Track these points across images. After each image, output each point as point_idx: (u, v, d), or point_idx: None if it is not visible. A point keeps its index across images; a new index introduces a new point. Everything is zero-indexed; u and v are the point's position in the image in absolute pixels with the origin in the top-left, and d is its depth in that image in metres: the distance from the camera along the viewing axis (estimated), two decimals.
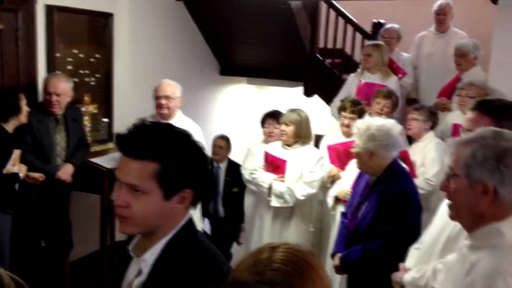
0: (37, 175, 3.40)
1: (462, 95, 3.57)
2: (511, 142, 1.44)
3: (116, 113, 4.65)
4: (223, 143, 4.51)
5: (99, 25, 4.42)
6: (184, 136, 1.33)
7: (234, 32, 5.47)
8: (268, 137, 4.08)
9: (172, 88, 3.77)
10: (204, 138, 3.87)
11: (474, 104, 2.06)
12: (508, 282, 1.35)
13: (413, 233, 2.49)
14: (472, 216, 1.48)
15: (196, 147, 1.33)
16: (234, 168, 4.47)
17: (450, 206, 1.57)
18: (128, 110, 4.56)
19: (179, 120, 3.78)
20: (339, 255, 2.86)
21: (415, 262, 2.26)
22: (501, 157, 1.40)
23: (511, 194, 1.41)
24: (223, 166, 4.50)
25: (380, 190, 2.75)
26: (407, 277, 2.19)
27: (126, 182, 1.28)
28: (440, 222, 2.18)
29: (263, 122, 4.19)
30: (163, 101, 3.71)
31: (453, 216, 1.58)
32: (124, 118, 4.51)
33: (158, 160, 1.26)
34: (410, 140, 4.41)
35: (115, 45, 4.56)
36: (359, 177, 3.01)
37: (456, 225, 2.04)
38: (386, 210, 2.68)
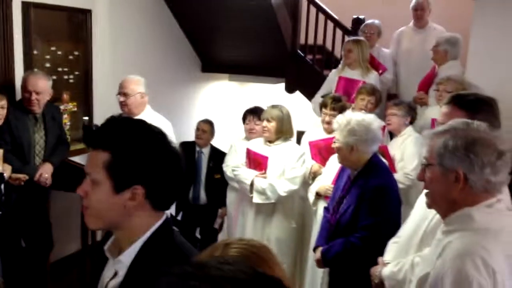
0: (21, 175, 3.35)
1: (440, 89, 3.61)
2: (481, 132, 1.51)
3: (96, 111, 4.60)
4: (206, 127, 4.47)
5: (77, 22, 4.36)
6: (145, 132, 1.30)
7: (216, 29, 5.45)
8: (249, 134, 4.08)
9: (132, 85, 3.59)
10: (175, 135, 3.77)
11: (449, 98, 2.10)
12: (477, 262, 1.39)
13: (393, 227, 2.52)
14: (446, 202, 1.54)
15: (158, 145, 1.29)
16: (217, 154, 4.46)
17: (427, 194, 1.64)
18: (108, 107, 4.50)
19: (146, 116, 3.57)
20: (320, 248, 2.90)
21: (393, 256, 2.29)
22: (470, 146, 1.47)
23: (480, 181, 1.47)
24: (206, 151, 4.48)
25: (360, 184, 2.78)
26: (385, 271, 2.22)
27: (85, 171, 1.31)
28: (418, 216, 2.22)
29: (244, 118, 4.19)
30: (122, 98, 3.58)
31: (429, 204, 1.65)
32: (104, 115, 4.36)
33: (109, 150, 1.26)
34: (392, 135, 4.46)
35: (94, 42, 4.51)
36: (341, 171, 3.05)
37: (433, 219, 2.08)
38: (365, 204, 2.72)
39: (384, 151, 3.63)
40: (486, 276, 1.39)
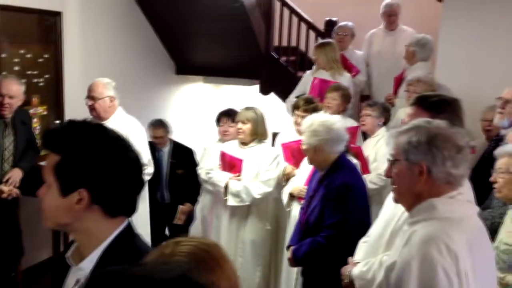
0: None
1: (410, 91, 3.67)
2: (441, 129, 1.61)
3: (67, 114, 4.53)
4: (159, 132, 4.39)
5: (47, 24, 4.30)
6: (98, 136, 1.29)
7: (189, 31, 5.43)
8: (223, 136, 4.08)
9: (100, 88, 3.51)
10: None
11: (414, 99, 2.15)
12: (440, 247, 1.48)
13: (360, 225, 2.55)
14: (412, 196, 1.63)
15: (110, 150, 1.28)
16: (178, 150, 4.44)
17: (394, 190, 1.72)
18: (80, 111, 4.40)
19: (116, 119, 3.54)
20: (292, 248, 2.93)
21: (363, 256, 2.32)
22: (432, 141, 1.57)
23: (442, 173, 1.56)
24: (166, 149, 4.45)
25: (325, 184, 2.83)
26: (355, 270, 2.25)
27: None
28: (386, 216, 2.25)
29: (218, 121, 4.18)
30: (89, 102, 3.52)
31: (396, 199, 1.73)
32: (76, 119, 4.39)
33: (59, 153, 1.27)
34: (366, 136, 4.52)
35: (65, 44, 4.45)
36: (314, 173, 3.08)
37: (401, 218, 2.12)
38: (329, 203, 2.77)
39: (358, 152, 3.67)
40: (449, 260, 1.46)
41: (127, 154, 1.31)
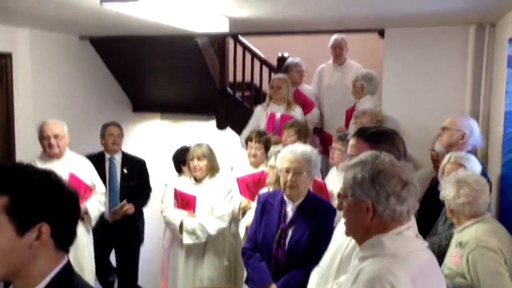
0: None
1: (357, 122, 3.81)
2: (386, 164, 1.61)
3: (19, 156, 4.44)
4: (117, 130, 4.34)
5: None
6: (37, 173, 1.32)
7: (144, 69, 5.48)
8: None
9: (60, 127, 3.72)
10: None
11: (355, 131, 2.22)
12: (385, 287, 1.48)
13: None
14: (361, 231, 1.63)
15: (50, 182, 1.32)
16: (129, 161, 4.37)
17: (345, 223, 1.73)
18: (32, 153, 4.37)
19: (70, 157, 3.79)
20: (274, 285, 2.85)
21: (315, 285, 2.35)
22: (375, 178, 1.57)
23: (386, 210, 1.57)
24: (117, 157, 4.36)
25: (312, 211, 2.86)
26: None
27: None
28: (335, 244, 2.30)
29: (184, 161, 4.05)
30: (53, 141, 3.66)
31: (347, 232, 1.74)
32: (28, 160, 4.31)
33: (7, 194, 1.26)
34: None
35: (16, 85, 4.40)
36: (263, 209, 3.04)
37: (348, 246, 2.17)
38: (321, 231, 2.79)
39: (322, 187, 3.71)
40: None
41: (65, 187, 1.35)
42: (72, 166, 3.76)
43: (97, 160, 4.22)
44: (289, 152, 2.92)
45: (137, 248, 4.58)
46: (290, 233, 2.87)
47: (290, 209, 2.92)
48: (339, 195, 1.74)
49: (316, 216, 2.83)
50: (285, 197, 2.95)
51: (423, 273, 1.58)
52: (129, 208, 4.23)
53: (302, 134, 4.12)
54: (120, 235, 4.33)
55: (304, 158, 2.86)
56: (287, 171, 2.87)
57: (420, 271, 1.56)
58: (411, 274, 1.53)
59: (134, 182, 4.31)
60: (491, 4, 3.27)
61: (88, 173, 3.87)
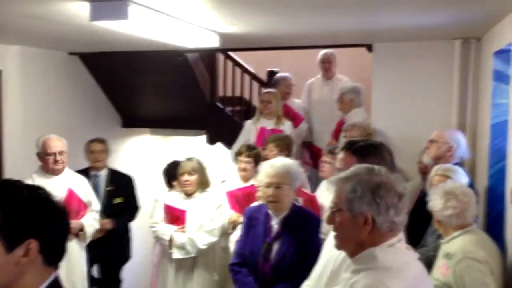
0: None
1: (347, 136, 3.83)
2: (382, 176, 1.63)
3: (8, 173, 4.41)
4: (100, 146, 4.29)
5: None
6: (26, 188, 1.32)
7: (134, 85, 5.49)
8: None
9: (63, 143, 3.77)
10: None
11: (343, 145, 2.25)
12: None
13: None
14: (355, 244, 1.63)
15: (40, 198, 1.32)
16: (116, 177, 4.32)
17: (336, 237, 1.71)
18: (22, 169, 4.33)
19: (68, 174, 3.82)
20: None
21: None
22: (375, 190, 1.58)
23: (386, 222, 1.58)
24: (102, 174, 4.32)
25: (297, 224, 2.86)
26: None
27: None
28: (325, 257, 2.30)
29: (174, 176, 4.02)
30: (59, 157, 3.69)
31: (338, 246, 1.73)
32: (18, 178, 4.27)
33: None
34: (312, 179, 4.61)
35: (5, 101, 4.39)
36: (249, 224, 3.04)
37: (338, 259, 2.18)
38: (308, 243, 2.81)
39: (312, 200, 3.71)
40: None
41: (55, 202, 1.34)
42: (70, 182, 3.76)
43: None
44: (269, 167, 2.92)
45: (120, 265, 4.53)
46: (276, 247, 2.86)
47: (275, 223, 2.92)
48: (332, 210, 1.70)
49: (302, 229, 2.84)
50: (269, 211, 2.95)
51: (416, 285, 1.59)
52: (106, 223, 4.15)
53: (283, 148, 4.11)
54: (102, 252, 4.26)
55: (284, 171, 2.86)
56: (268, 185, 2.87)
57: (413, 284, 1.57)
58: (405, 286, 1.54)
59: (120, 199, 4.26)
60: (476, 19, 3.34)
61: (84, 190, 3.86)
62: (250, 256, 2.96)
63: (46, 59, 4.82)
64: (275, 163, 2.92)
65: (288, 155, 4.14)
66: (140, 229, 5.36)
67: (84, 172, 4.27)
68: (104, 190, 4.31)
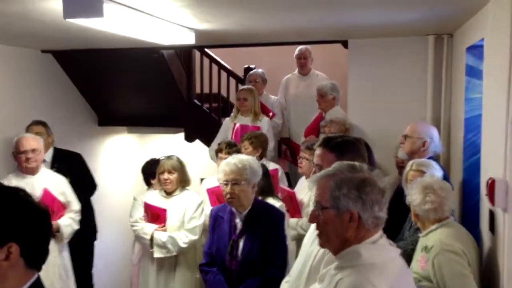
0: None
1: (326, 132, 3.86)
2: (364, 172, 1.65)
3: None
4: (40, 128, 4.15)
5: None
6: (1, 190, 1.32)
7: (109, 83, 5.42)
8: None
9: (37, 141, 3.71)
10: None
11: (321, 141, 2.26)
12: None
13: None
14: (340, 241, 1.64)
15: (19, 200, 1.31)
16: (61, 155, 4.24)
17: (319, 235, 1.71)
18: None
19: (45, 174, 3.77)
20: None
21: None
22: (360, 187, 1.59)
23: (371, 218, 1.60)
24: (48, 156, 4.18)
25: (260, 219, 2.91)
26: None
27: None
28: (304, 253, 2.32)
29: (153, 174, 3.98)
30: (31, 155, 3.62)
31: (322, 244, 1.73)
32: None
33: None
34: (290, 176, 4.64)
35: None
36: (214, 223, 3.07)
37: (317, 255, 2.19)
38: (273, 237, 2.88)
39: (291, 196, 3.73)
40: None
41: (35, 203, 1.33)
42: (46, 182, 3.69)
43: None
44: (225, 165, 2.96)
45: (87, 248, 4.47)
46: (241, 243, 2.91)
47: (238, 220, 2.96)
48: (315, 209, 1.69)
49: (265, 224, 2.89)
50: (233, 209, 2.98)
51: (400, 281, 1.61)
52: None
53: (257, 145, 4.12)
54: None
55: (240, 168, 2.89)
56: (226, 183, 2.92)
57: (396, 279, 1.59)
58: (389, 282, 1.56)
59: (68, 178, 4.02)
60: (448, 15, 3.40)
61: (62, 190, 3.78)
62: (217, 254, 3.01)
63: (18, 57, 4.71)
64: (231, 161, 2.96)
65: (263, 152, 4.17)
66: (119, 228, 5.32)
67: None
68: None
